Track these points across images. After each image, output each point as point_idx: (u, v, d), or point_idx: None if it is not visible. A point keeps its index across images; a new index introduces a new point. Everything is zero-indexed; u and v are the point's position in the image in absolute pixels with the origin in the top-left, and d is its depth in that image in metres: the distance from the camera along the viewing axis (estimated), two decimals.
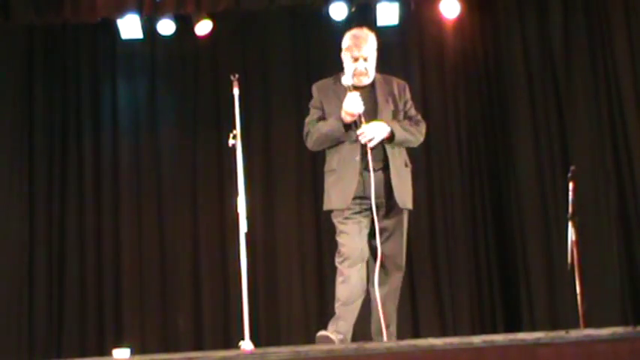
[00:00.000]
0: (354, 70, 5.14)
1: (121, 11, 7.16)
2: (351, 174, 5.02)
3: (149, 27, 7.57)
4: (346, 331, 4.97)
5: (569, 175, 5.63)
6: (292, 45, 7.94)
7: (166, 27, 7.53)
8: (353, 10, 7.42)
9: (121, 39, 7.62)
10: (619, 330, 3.42)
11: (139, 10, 7.15)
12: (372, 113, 5.08)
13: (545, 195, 7.43)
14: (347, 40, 5.22)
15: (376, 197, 4.99)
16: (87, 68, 7.86)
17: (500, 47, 7.76)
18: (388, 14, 7.49)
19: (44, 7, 7.04)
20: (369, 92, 5.16)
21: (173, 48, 7.85)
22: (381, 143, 5.02)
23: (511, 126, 7.61)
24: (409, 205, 5.12)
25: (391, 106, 5.15)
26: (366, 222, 5.07)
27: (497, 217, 7.57)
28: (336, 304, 5.07)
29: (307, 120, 5.30)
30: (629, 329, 3.42)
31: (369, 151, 4.98)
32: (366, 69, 5.13)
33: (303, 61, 7.88)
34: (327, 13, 7.42)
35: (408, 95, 5.30)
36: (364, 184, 5.01)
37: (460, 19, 7.68)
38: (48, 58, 7.84)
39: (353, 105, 4.99)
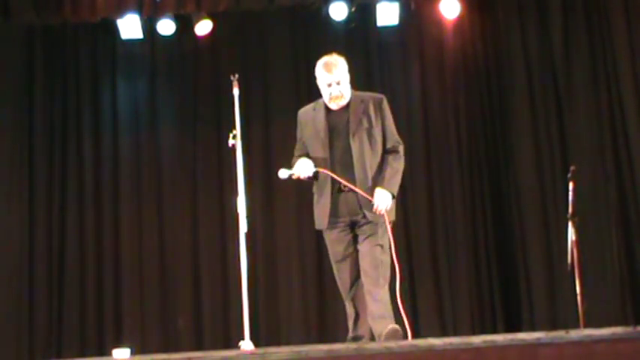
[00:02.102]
0: (330, 95, 5.20)
1: (121, 11, 7.16)
2: (325, 197, 5.13)
3: (149, 27, 7.57)
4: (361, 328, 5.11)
5: (569, 175, 5.63)
6: (292, 45, 7.94)
7: (166, 27, 7.54)
8: (353, 10, 7.43)
9: (121, 39, 7.62)
10: (619, 330, 3.42)
11: (139, 10, 7.15)
12: (345, 135, 5.15)
13: (545, 195, 7.43)
14: (318, 68, 5.28)
15: (351, 215, 5.08)
16: (87, 68, 7.86)
17: (500, 47, 7.76)
18: (388, 14, 7.50)
19: (44, 6, 7.04)
20: (342, 114, 5.22)
21: (173, 48, 7.86)
22: (351, 165, 5.10)
23: (511, 126, 7.61)
24: (382, 219, 5.06)
25: (365, 125, 5.18)
26: (344, 233, 5.15)
27: (497, 217, 7.57)
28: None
29: (295, 150, 5.39)
30: (629, 329, 3.42)
31: (334, 176, 5.06)
32: (340, 92, 5.20)
33: (303, 61, 7.87)
34: (327, 13, 7.42)
35: (385, 110, 5.27)
36: (337, 204, 5.11)
37: (460, 19, 7.68)
38: (48, 57, 7.84)
39: (302, 171, 5.15)
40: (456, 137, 7.70)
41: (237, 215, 5.27)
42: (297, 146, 5.36)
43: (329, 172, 5.08)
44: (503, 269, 7.48)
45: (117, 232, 7.64)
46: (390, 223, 5.04)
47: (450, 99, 7.78)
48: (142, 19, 7.41)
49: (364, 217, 5.05)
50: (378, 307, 4.98)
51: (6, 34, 7.69)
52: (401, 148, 5.25)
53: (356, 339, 5.07)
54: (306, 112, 5.37)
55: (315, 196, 5.24)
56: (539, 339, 3.43)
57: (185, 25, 7.57)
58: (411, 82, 7.79)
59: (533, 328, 7.01)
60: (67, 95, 7.82)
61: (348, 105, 5.23)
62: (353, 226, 5.12)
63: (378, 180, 5.09)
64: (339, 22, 7.45)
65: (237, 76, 5.46)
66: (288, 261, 7.60)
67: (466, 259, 7.49)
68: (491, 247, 7.51)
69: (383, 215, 5.01)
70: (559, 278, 7.11)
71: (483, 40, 7.84)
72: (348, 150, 5.13)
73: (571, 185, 5.59)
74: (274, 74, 7.86)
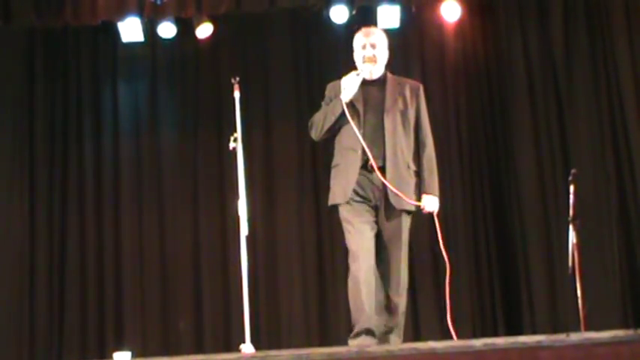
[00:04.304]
0: (363, 57, 5.09)
1: (122, 14, 7.16)
2: (353, 168, 4.96)
3: (150, 30, 7.57)
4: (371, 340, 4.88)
5: (570, 178, 5.63)
6: (293, 48, 7.94)
7: (167, 30, 7.53)
8: (354, 12, 7.42)
9: (122, 42, 7.61)
10: (620, 333, 3.42)
11: (140, 13, 7.15)
12: (378, 111, 5.04)
13: (545, 198, 7.42)
14: (357, 35, 5.21)
15: (376, 200, 4.97)
16: (87, 71, 7.86)
17: (501, 50, 7.76)
18: (389, 17, 7.49)
19: (45, 9, 7.04)
20: (378, 89, 5.11)
21: (174, 51, 7.86)
22: (382, 142, 4.98)
23: (512, 129, 7.61)
24: (406, 207, 5.00)
25: (400, 106, 5.08)
26: (371, 222, 4.98)
27: (498, 220, 7.56)
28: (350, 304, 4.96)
29: (315, 114, 5.24)
30: (629, 332, 3.42)
31: (367, 150, 4.91)
32: (374, 55, 5.08)
33: (304, 64, 7.88)
34: (328, 16, 7.41)
35: (421, 99, 5.21)
36: (365, 185, 4.96)
37: (461, 22, 7.68)
38: (49, 60, 7.84)
39: (350, 82, 4.98)
40: (456, 140, 7.69)
41: (237, 218, 5.28)
42: (323, 107, 5.20)
43: (365, 146, 4.91)
44: (504, 272, 7.47)
45: (118, 234, 7.64)
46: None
47: (451, 101, 7.77)
48: (142, 22, 7.40)
49: (387, 201, 4.93)
50: (392, 319, 4.94)
51: (6, 37, 7.68)
52: (431, 143, 5.21)
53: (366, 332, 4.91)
54: (338, 83, 5.16)
55: (338, 169, 5.06)
56: (540, 342, 3.43)
57: (186, 28, 7.57)
58: None
59: (534, 331, 7.01)
60: (68, 98, 7.82)
61: (384, 83, 5.13)
62: (377, 210, 4.99)
63: (422, 185, 5.09)
64: (339, 25, 7.43)
65: (238, 78, 5.46)
66: (288, 264, 7.60)
67: (467, 262, 7.48)
68: (492, 249, 7.50)
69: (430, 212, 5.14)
70: (560, 281, 7.11)
71: (484, 42, 7.84)
72: (379, 127, 5.01)
73: (572, 188, 5.58)
74: (275, 77, 7.86)
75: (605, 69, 7.49)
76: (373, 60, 5.08)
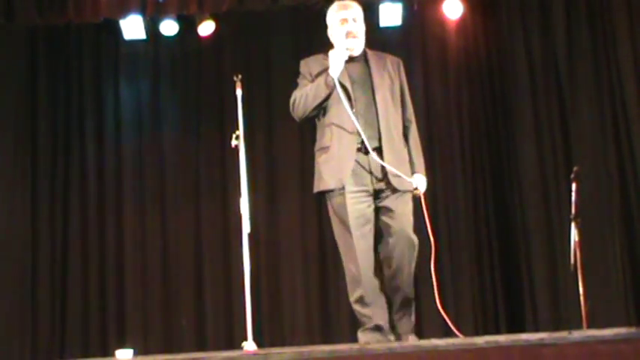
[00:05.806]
0: (347, 33, 4.89)
1: (124, 12, 7.15)
2: (349, 150, 4.77)
3: (152, 27, 7.58)
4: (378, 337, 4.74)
5: (573, 175, 5.62)
6: (295, 45, 7.93)
7: (169, 27, 7.55)
8: None
9: (124, 39, 7.63)
10: (622, 331, 3.42)
11: (142, 11, 7.14)
12: (367, 88, 4.90)
13: (548, 196, 7.42)
14: (331, 10, 5.03)
15: (374, 184, 4.81)
16: (90, 69, 7.87)
17: (503, 48, 7.76)
18: (391, 15, 7.50)
19: (47, 7, 7.03)
20: (362, 66, 4.97)
21: (176, 48, 7.87)
22: (376, 120, 4.81)
23: (514, 126, 7.61)
24: (407, 187, 4.85)
25: (387, 81, 4.93)
26: (367, 216, 4.80)
27: (500, 218, 7.56)
28: (356, 306, 4.81)
29: (295, 92, 5.06)
30: (632, 330, 3.43)
31: (361, 131, 4.72)
32: (356, 30, 4.92)
33: None
34: None
35: (403, 74, 5.05)
36: (361, 169, 4.78)
37: (463, 20, 7.69)
38: (51, 58, 7.85)
39: (337, 57, 4.80)
40: (458, 138, 7.70)
41: (240, 216, 5.27)
42: (304, 83, 4.99)
43: (360, 127, 4.71)
44: (506, 269, 7.48)
45: (120, 232, 7.65)
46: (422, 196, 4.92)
47: (452, 100, 7.77)
48: (144, 20, 7.42)
49: (389, 183, 4.76)
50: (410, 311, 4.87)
51: (9, 35, 7.69)
52: (414, 120, 5.06)
53: (378, 328, 4.75)
54: (315, 60, 5.02)
55: (328, 151, 4.85)
56: (542, 339, 3.44)
57: (188, 25, 7.58)
58: (413, 83, 7.77)
59: (536, 328, 7.01)
60: (70, 96, 7.83)
61: (365, 58, 4.99)
62: (375, 196, 4.81)
63: (411, 165, 4.92)
64: None
65: (240, 76, 5.45)
66: (291, 261, 7.60)
67: (469, 259, 7.48)
68: (495, 247, 7.50)
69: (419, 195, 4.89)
70: (562, 279, 7.11)
71: (486, 40, 7.84)
72: (371, 104, 4.84)
73: (574, 186, 5.58)
74: (277, 74, 7.85)
75: (607, 66, 7.48)
76: (356, 35, 4.93)
